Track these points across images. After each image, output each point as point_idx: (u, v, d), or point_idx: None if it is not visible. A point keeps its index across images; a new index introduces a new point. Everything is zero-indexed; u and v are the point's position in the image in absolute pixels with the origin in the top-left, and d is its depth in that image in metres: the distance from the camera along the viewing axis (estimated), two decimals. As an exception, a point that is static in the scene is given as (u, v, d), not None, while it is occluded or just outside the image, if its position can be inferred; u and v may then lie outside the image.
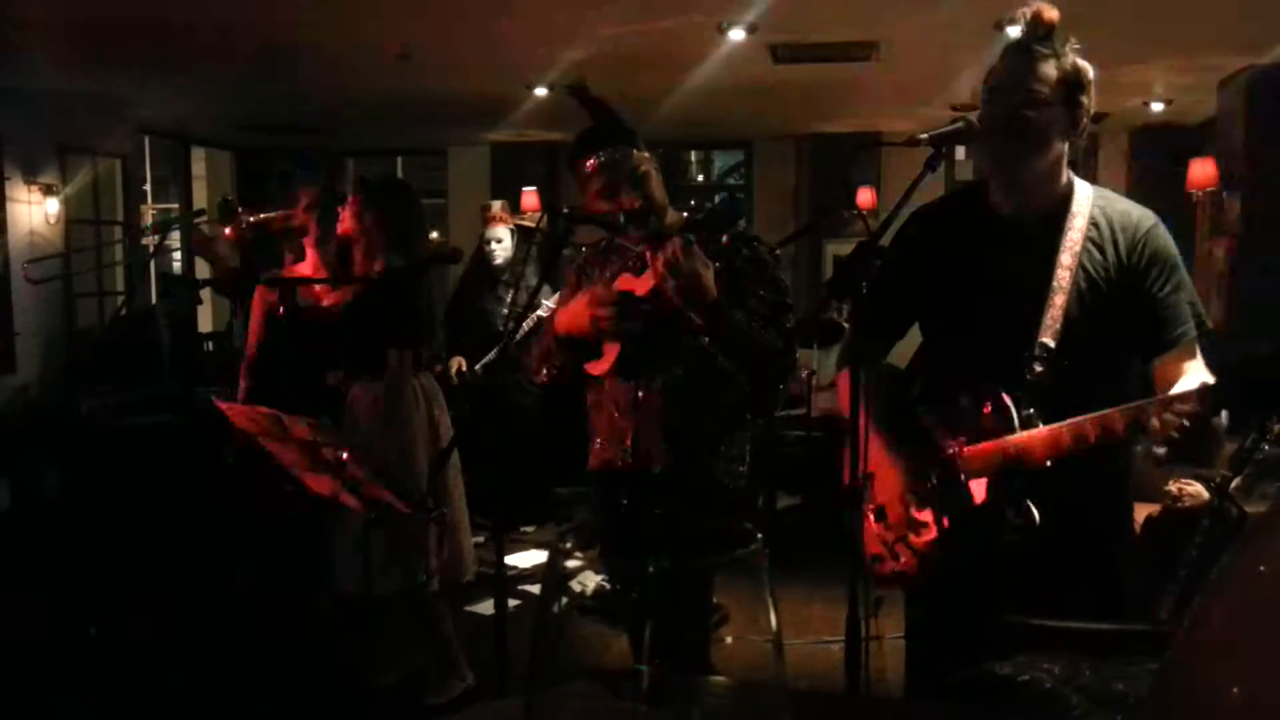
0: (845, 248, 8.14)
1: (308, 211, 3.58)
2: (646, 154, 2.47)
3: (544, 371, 2.58)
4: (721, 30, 5.18)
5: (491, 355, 5.23)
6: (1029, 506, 1.91)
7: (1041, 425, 1.90)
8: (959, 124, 1.98)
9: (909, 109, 7.48)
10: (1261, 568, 0.65)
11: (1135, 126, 8.66)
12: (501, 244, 5.58)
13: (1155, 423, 1.77)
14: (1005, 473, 1.93)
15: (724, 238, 2.31)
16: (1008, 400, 1.93)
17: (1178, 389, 1.87)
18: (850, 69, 6.15)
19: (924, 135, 1.96)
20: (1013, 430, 1.92)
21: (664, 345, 2.40)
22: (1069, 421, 1.86)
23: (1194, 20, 5.16)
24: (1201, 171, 6.96)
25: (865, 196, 8.21)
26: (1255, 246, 6.47)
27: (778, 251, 2.50)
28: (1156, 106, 7.52)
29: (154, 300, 8.04)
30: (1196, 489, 3.32)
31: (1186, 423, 1.74)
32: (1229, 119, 6.77)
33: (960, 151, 2.31)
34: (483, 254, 5.68)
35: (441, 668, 3.54)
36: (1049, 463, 1.89)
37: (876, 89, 6.93)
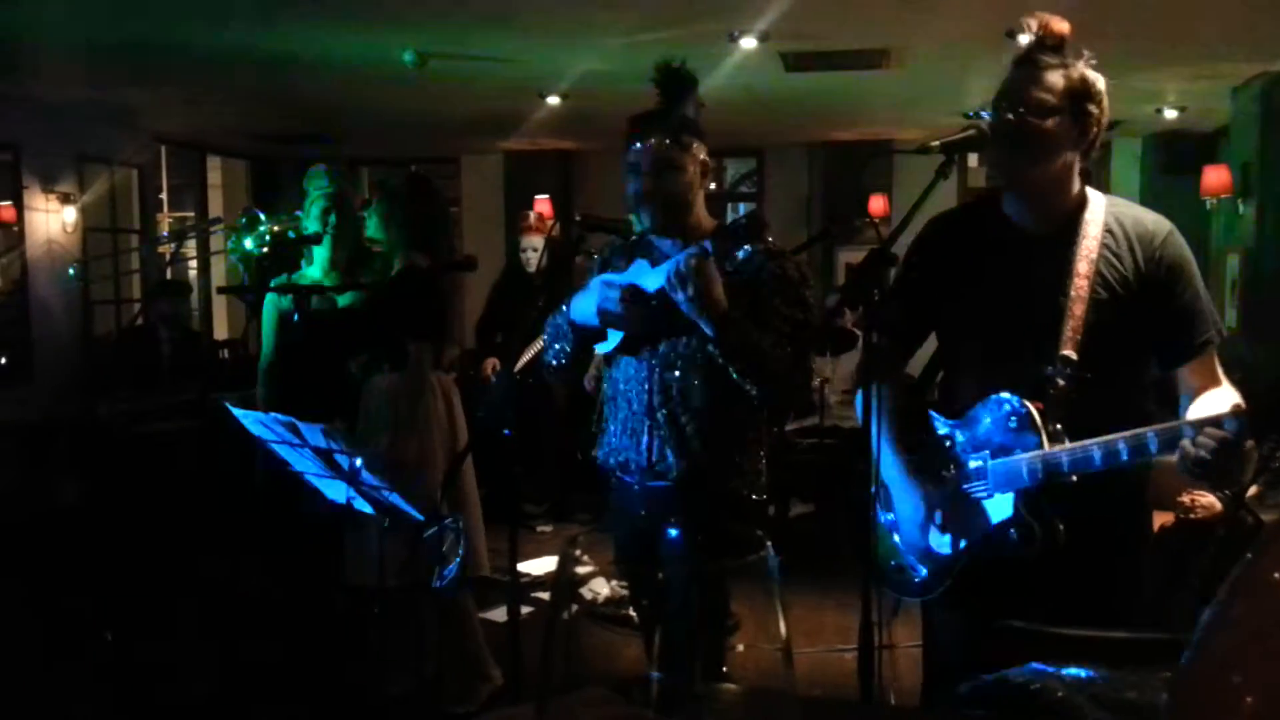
0: (857, 255, 8.12)
1: (321, 216, 3.62)
2: (690, 150, 2.40)
3: (553, 353, 2.58)
4: (733, 39, 5.19)
5: (529, 355, 5.31)
6: (1054, 521, 1.90)
7: (1067, 440, 1.89)
8: (971, 131, 1.98)
9: (921, 116, 7.47)
10: (1276, 575, 0.65)
11: (1149, 134, 8.63)
12: (536, 252, 5.94)
13: (1188, 444, 1.75)
14: (1029, 487, 1.92)
15: (742, 251, 2.29)
16: (1035, 415, 1.92)
17: (1208, 408, 1.85)
18: (862, 76, 6.15)
19: (936, 142, 1.96)
20: (1040, 445, 1.91)
21: (669, 330, 2.39)
22: (1100, 439, 1.84)
23: (1208, 27, 5.14)
24: (1215, 179, 6.93)
25: (877, 204, 8.21)
26: (1269, 253, 6.43)
27: (806, 270, 2.47)
28: (1170, 114, 7.49)
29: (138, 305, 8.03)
30: (1209, 500, 3.30)
31: (1217, 445, 1.72)
32: (1243, 126, 6.74)
33: (973, 159, 2.32)
34: (516, 261, 6.03)
35: (465, 672, 3.53)
36: (1075, 478, 1.88)
37: (888, 96, 6.93)
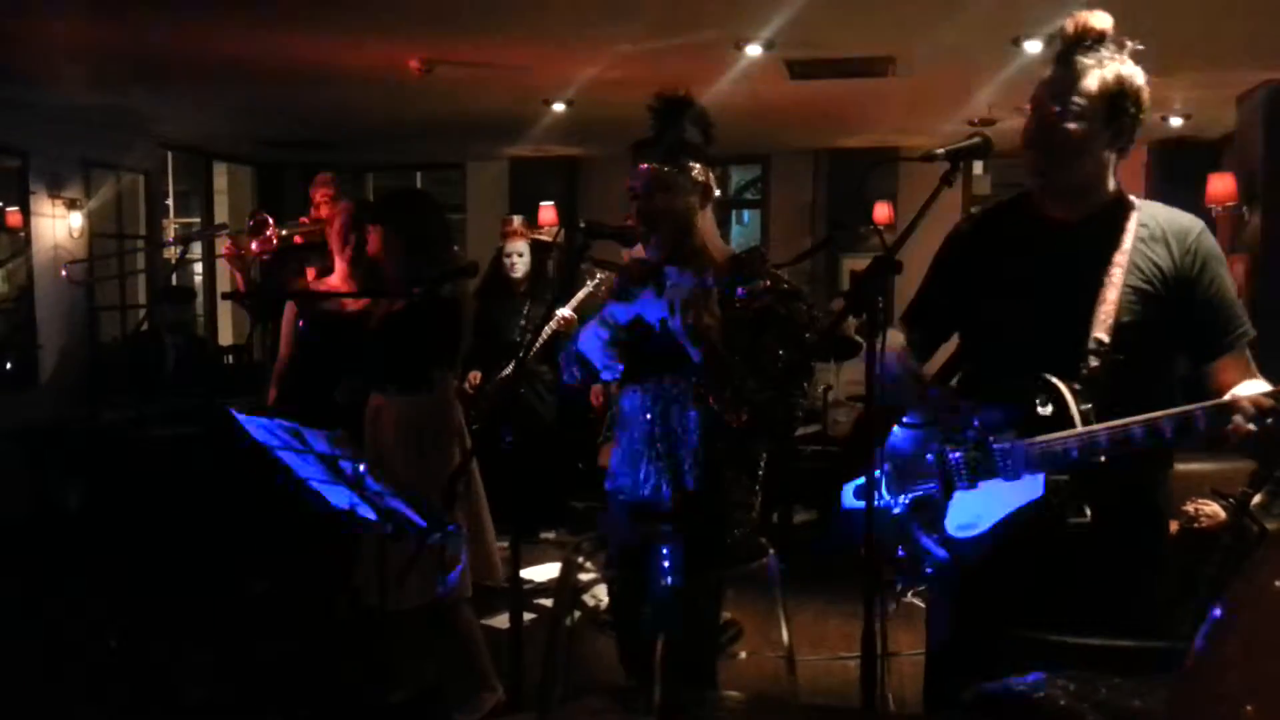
0: (862, 262, 8.12)
1: (340, 229, 3.63)
2: (686, 170, 2.41)
3: (571, 373, 2.61)
4: (738, 47, 5.20)
5: (508, 370, 5.33)
6: (1083, 504, 1.89)
7: (1095, 421, 1.88)
8: (976, 139, 1.99)
9: (926, 124, 7.48)
10: (1277, 583, 0.65)
11: (1154, 141, 8.62)
12: (522, 258, 5.78)
13: (1240, 419, 1.76)
14: (1061, 467, 1.91)
15: (748, 286, 2.31)
16: (1066, 394, 1.91)
17: (1251, 391, 1.84)
18: (867, 84, 6.15)
19: (940, 150, 1.97)
20: (1071, 424, 1.90)
21: (672, 361, 2.40)
22: (1143, 417, 1.83)
23: (1213, 34, 5.15)
24: (1220, 186, 6.91)
25: (882, 211, 8.21)
26: (1274, 262, 6.43)
27: (815, 312, 2.48)
28: (1175, 121, 7.48)
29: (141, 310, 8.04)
30: (1214, 509, 3.29)
31: (1271, 420, 1.73)
32: (1248, 134, 6.73)
33: (977, 166, 2.33)
34: (499, 267, 5.86)
35: (470, 681, 3.52)
36: (1103, 459, 1.86)
37: (893, 104, 6.93)
